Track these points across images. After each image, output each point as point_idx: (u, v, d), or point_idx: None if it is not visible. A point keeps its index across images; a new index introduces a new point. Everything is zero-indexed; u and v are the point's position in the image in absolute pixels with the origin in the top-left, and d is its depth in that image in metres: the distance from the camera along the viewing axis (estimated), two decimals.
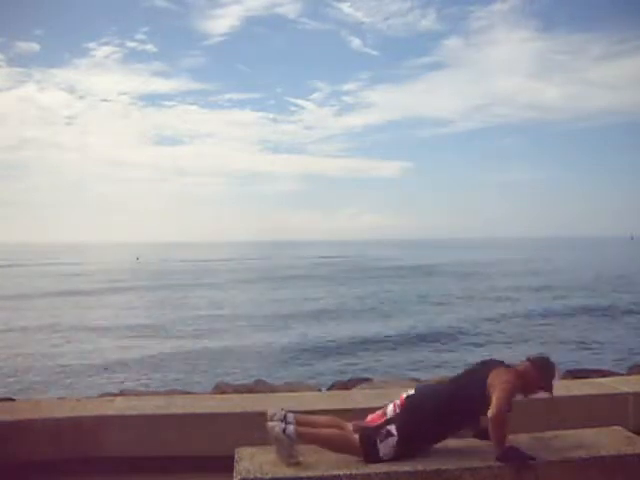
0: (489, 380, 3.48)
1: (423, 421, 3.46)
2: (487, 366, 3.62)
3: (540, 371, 3.60)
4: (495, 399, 3.38)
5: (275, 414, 3.48)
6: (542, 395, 3.65)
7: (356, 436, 3.46)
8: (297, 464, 3.31)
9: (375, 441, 3.42)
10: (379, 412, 3.60)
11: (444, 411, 3.49)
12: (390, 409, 3.56)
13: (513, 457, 3.38)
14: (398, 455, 3.40)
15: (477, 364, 3.74)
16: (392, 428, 3.44)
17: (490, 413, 3.36)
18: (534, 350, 16.88)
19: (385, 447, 3.40)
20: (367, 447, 3.41)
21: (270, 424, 3.42)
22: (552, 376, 3.66)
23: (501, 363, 3.64)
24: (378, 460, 3.38)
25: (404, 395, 3.61)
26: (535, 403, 4.58)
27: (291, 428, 3.40)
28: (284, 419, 3.46)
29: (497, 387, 3.42)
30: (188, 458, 4.08)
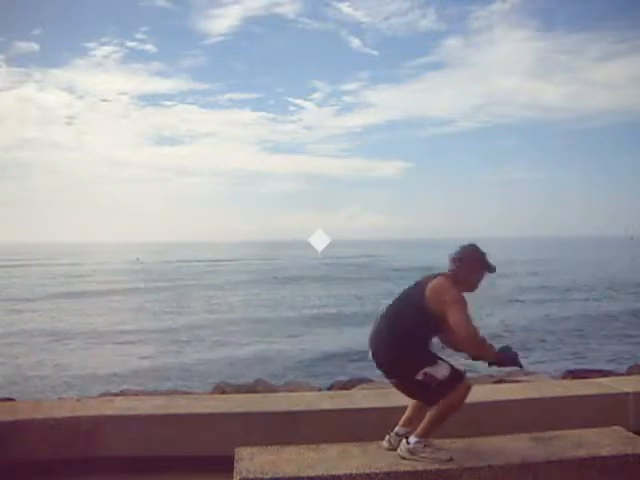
0: (427, 293, 3.47)
1: (406, 346, 3.48)
2: (421, 283, 3.61)
3: (470, 263, 3.57)
4: (454, 323, 3.39)
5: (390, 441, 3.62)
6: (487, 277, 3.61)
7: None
8: (451, 459, 3.42)
9: (439, 384, 3.42)
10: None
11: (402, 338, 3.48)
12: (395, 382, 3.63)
13: (507, 360, 3.47)
14: (436, 356, 3.51)
15: (410, 287, 3.71)
16: (419, 374, 3.44)
17: (462, 340, 3.41)
18: (533, 353, 16.96)
19: (439, 372, 3.42)
20: (447, 387, 3.41)
21: (400, 453, 3.50)
22: (482, 257, 3.62)
23: (433, 276, 3.61)
24: (456, 370, 3.47)
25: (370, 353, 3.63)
26: (534, 403, 4.60)
27: (412, 438, 3.48)
28: (398, 437, 3.59)
29: (447, 305, 3.40)
30: (188, 458, 4.08)
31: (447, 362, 3.50)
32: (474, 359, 3.55)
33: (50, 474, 3.91)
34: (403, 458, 3.45)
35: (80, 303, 31.93)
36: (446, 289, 3.47)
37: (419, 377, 3.43)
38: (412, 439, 3.47)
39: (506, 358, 3.50)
